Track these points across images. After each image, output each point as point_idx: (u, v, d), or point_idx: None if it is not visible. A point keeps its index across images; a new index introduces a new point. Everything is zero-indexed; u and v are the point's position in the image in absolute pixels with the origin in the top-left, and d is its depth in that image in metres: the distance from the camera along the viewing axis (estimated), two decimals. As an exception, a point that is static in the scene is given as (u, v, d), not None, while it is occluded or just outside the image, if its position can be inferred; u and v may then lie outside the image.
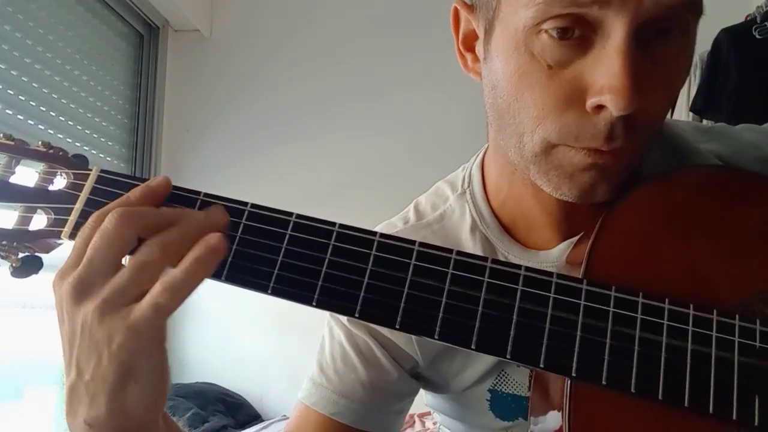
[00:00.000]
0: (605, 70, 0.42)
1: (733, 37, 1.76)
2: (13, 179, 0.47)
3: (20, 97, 1.89)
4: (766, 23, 1.73)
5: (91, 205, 0.45)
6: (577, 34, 0.43)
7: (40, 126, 1.98)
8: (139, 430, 0.41)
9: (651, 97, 0.43)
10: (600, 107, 0.43)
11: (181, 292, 0.39)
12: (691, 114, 1.88)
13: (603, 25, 0.42)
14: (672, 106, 0.47)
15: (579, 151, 0.45)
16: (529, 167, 0.49)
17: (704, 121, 1.78)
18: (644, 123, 0.44)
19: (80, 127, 2.20)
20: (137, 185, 0.45)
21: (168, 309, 0.39)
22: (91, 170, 0.47)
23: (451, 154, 0.91)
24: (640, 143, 0.46)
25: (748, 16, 1.79)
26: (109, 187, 0.46)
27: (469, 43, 0.55)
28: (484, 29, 0.50)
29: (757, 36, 1.74)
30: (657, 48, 0.43)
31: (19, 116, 1.88)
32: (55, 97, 2.06)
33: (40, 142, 0.49)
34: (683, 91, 1.93)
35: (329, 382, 0.61)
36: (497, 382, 0.59)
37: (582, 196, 0.47)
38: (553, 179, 0.48)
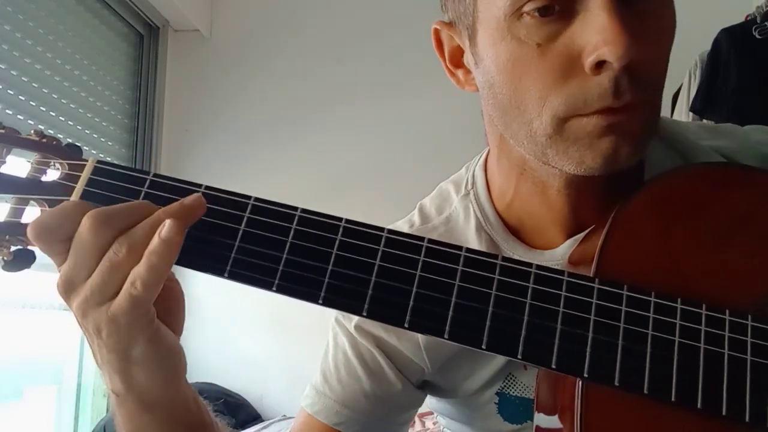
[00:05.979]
0: (595, 27, 0.42)
1: (733, 37, 1.76)
2: (3, 169, 0.45)
3: (20, 97, 1.88)
4: (766, 23, 1.73)
5: (88, 197, 0.44)
6: (558, 8, 0.43)
7: (40, 126, 1.97)
8: (159, 401, 0.44)
9: (645, 46, 0.43)
10: (599, 65, 0.43)
11: (148, 284, 0.40)
12: (691, 114, 1.87)
13: None
14: (665, 65, 0.47)
15: (591, 117, 0.45)
16: (546, 152, 0.48)
17: (704, 122, 1.77)
18: (646, 74, 0.44)
19: (80, 127, 2.19)
20: (134, 176, 0.45)
21: (141, 300, 0.40)
22: (86, 161, 0.46)
23: (454, 153, 0.91)
24: (648, 96, 0.46)
25: (748, 16, 1.79)
26: (106, 179, 0.45)
27: (456, 59, 0.56)
28: (468, 37, 0.50)
29: (757, 36, 1.73)
30: (638, 4, 0.44)
31: (19, 116, 1.87)
32: (55, 97, 2.05)
33: (32, 131, 0.47)
34: (683, 91, 1.93)
35: (332, 391, 0.60)
36: (505, 385, 0.59)
37: (607, 164, 0.46)
38: (573, 155, 0.47)
